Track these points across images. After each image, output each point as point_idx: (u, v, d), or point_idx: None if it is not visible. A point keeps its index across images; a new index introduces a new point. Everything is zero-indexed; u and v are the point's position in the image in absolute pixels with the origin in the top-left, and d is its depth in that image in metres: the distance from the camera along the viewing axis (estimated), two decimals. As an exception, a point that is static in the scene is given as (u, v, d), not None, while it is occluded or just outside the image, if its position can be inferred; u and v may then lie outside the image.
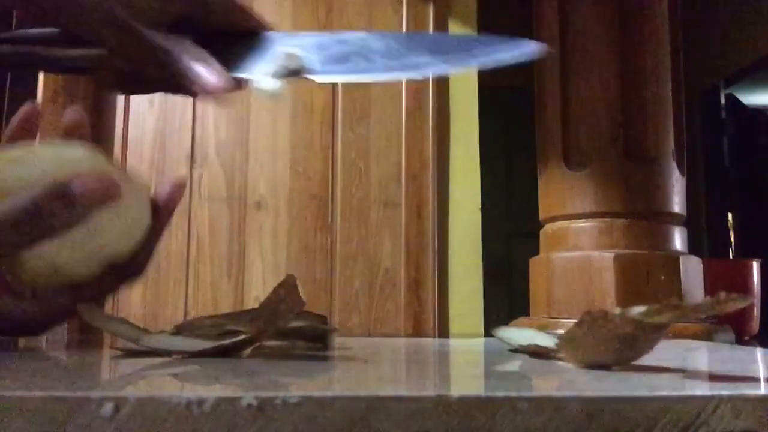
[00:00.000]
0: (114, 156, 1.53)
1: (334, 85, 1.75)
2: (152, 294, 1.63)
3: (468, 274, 1.70)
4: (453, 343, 0.59)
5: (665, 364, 0.35)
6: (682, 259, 0.99)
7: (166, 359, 0.35)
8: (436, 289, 1.67)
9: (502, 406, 0.22)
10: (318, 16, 1.75)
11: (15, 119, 0.44)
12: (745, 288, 1.82)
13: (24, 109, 0.44)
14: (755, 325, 1.81)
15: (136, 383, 0.28)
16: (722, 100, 3.51)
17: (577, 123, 1.06)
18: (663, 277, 0.96)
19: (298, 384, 0.28)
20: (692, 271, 1.00)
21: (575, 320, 0.32)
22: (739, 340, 1.53)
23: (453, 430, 0.22)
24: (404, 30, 1.75)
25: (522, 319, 1.14)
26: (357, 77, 0.39)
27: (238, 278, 1.66)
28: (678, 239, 1.03)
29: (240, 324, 0.38)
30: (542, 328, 0.94)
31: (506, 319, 1.14)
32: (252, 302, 1.63)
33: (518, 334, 0.44)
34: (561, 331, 0.33)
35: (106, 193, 0.36)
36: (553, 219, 1.10)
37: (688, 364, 0.39)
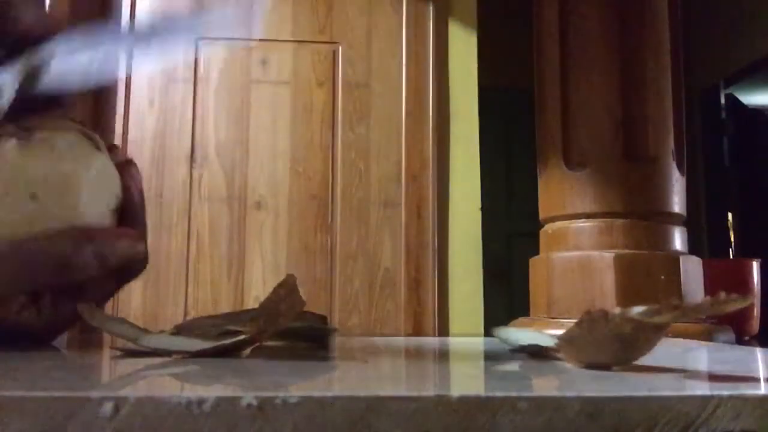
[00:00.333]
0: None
1: (334, 85, 1.76)
2: (152, 294, 1.63)
3: (468, 274, 1.70)
4: (453, 342, 0.59)
5: (665, 364, 0.35)
6: (682, 259, 0.99)
7: (166, 359, 0.35)
8: (436, 289, 1.68)
9: (502, 406, 0.22)
10: (318, 16, 1.74)
11: None
12: (745, 288, 1.82)
13: None
14: (755, 325, 1.82)
15: (136, 383, 0.29)
16: (722, 100, 3.51)
17: (577, 123, 1.06)
18: (663, 277, 0.96)
19: (298, 384, 0.28)
20: (692, 271, 1.01)
21: (575, 320, 0.32)
22: (739, 340, 1.53)
23: (453, 430, 0.22)
24: (404, 30, 1.75)
25: (522, 319, 1.14)
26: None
27: (238, 278, 1.66)
28: (678, 239, 1.03)
29: (240, 324, 0.38)
30: (542, 328, 0.94)
31: (506, 319, 1.14)
32: (252, 302, 1.63)
33: (518, 334, 0.44)
34: (561, 331, 0.33)
35: (133, 259, 0.40)
36: (553, 219, 1.10)
37: (688, 364, 0.39)
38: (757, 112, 3.82)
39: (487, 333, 0.51)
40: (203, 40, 1.61)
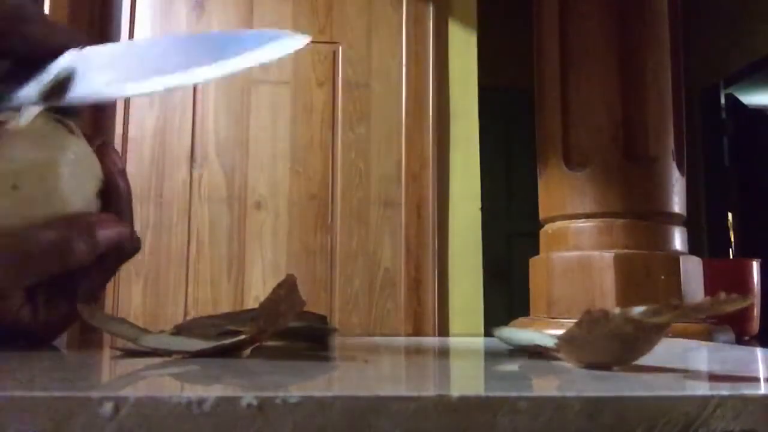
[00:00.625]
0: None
1: (334, 85, 1.75)
2: (152, 294, 1.63)
3: (468, 274, 1.70)
4: (453, 342, 0.59)
5: (665, 364, 0.35)
6: (682, 259, 0.99)
7: (166, 359, 0.35)
8: (436, 289, 1.68)
9: (502, 406, 0.22)
10: (318, 16, 1.74)
11: None
12: (745, 288, 1.82)
13: None
14: (755, 325, 1.82)
15: (136, 383, 0.28)
16: (722, 100, 3.51)
17: (577, 123, 1.06)
18: (663, 277, 0.96)
19: (298, 384, 0.28)
20: (692, 271, 1.01)
21: (575, 320, 0.32)
22: (739, 340, 1.53)
23: (453, 430, 0.22)
24: (404, 30, 1.75)
25: (522, 319, 1.14)
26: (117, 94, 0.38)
27: (238, 278, 1.66)
28: (678, 239, 1.03)
29: (240, 324, 0.38)
30: (542, 328, 0.94)
31: (506, 319, 1.14)
32: (252, 302, 1.63)
33: (518, 334, 0.44)
34: (561, 331, 0.33)
35: (126, 246, 0.40)
36: (553, 219, 1.10)
37: (688, 364, 0.39)
38: (757, 112, 3.83)
39: (487, 333, 0.51)
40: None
